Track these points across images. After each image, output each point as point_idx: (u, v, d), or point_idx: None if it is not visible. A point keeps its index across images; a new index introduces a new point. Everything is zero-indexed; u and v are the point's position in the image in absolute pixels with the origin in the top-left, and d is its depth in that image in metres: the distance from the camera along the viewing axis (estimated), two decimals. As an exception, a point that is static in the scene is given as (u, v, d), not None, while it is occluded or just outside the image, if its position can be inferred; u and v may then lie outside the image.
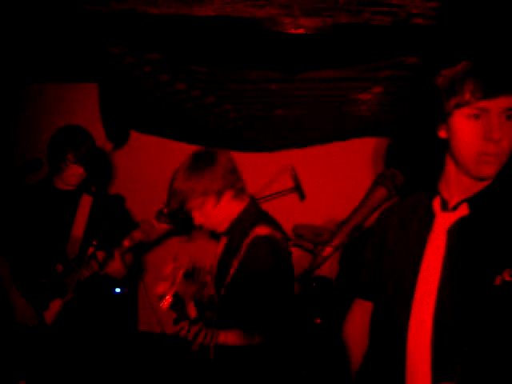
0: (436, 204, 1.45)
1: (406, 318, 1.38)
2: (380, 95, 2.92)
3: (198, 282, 2.10)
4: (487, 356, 1.25)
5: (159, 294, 1.86)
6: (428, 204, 1.48)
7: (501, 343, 1.24)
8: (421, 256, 1.41)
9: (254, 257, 1.94)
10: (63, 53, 2.90)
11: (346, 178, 4.00)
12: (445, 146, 1.40)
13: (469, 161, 1.32)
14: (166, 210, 2.20)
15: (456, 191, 1.41)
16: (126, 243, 2.39)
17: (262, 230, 1.97)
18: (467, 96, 1.27)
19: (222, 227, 2.09)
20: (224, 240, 2.16)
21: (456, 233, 1.37)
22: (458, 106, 1.29)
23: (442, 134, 1.39)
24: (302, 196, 3.84)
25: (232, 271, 1.98)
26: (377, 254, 1.61)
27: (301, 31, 2.16)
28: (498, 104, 1.25)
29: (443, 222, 1.40)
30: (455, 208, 1.40)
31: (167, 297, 1.81)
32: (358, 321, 1.72)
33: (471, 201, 1.37)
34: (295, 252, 3.81)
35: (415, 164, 2.54)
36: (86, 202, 2.66)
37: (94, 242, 2.32)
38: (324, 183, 4.06)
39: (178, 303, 1.89)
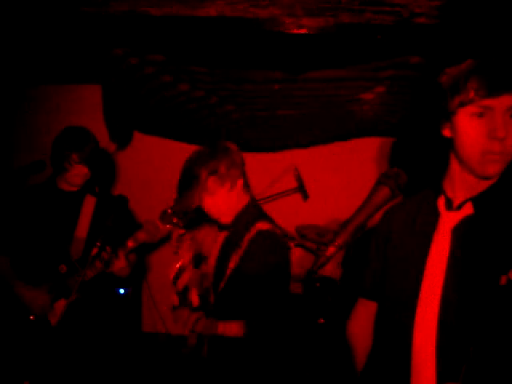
0: (441, 203, 1.45)
1: (411, 318, 1.38)
2: (383, 95, 2.91)
3: (202, 270, 2.12)
4: (492, 356, 1.24)
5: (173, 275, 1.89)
6: (432, 203, 1.47)
7: (506, 343, 1.24)
8: (425, 255, 1.40)
9: (257, 251, 1.96)
10: (66, 55, 2.91)
11: (349, 178, 4.00)
12: (449, 145, 1.40)
13: (473, 160, 1.31)
14: (170, 211, 2.20)
15: (461, 190, 1.40)
16: (130, 244, 2.40)
17: (263, 225, 2.00)
18: (471, 94, 1.26)
19: (228, 218, 2.12)
20: (223, 234, 2.18)
21: (461, 232, 1.36)
22: (462, 104, 1.29)
23: (447, 132, 1.39)
24: (306, 196, 3.84)
25: (232, 265, 1.99)
26: (381, 254, 1.61)
27: (303, 31, 2.17)
28: (502, 102, 1.25)
29: (448, 222, 1.40)
30: (460, 207, 1.39)
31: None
32: (362, 321, 1.72)
33: (476, 200, 1.37)
34: (298, 252, 3.82)
35: (419, 163, 2.54)
36: (89, 202, 2.66)
37: (98, 243, 2.32)
38: (327, 183, 4.05)
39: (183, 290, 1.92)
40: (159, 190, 3.89)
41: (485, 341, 1.23)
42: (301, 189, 3.81)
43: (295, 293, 3.61)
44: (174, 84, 2.94)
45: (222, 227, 2.21)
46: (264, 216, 2.10)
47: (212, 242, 2.27)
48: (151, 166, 4.21)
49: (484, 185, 1.37)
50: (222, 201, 2.07)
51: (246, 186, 2.15)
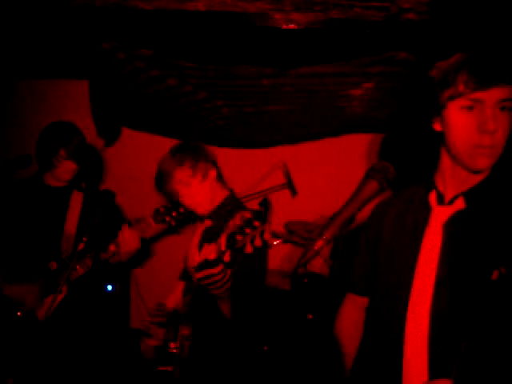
0: (432, 198, 1.45)
1: (403, 313, 1.38)
2: (371, 91, 2.92)
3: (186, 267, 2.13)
4: (485, 351, 1.24)
5: None
6: (424, 198, 1.47)
7: (498, 338, 1.24)
8: (417, 250, 1.41)
9: None
10: (53, 48, 2.87)
11: (338, 174, 4.00)
12: (440, 140, 1.40)
13: (464, 153, 1.31)
14: (162, 209, 2.22)
15: (452, 185, 1.41)
16: (113, 248, 2.38)
17: (247, 214, 2.00)
18: (461, 87, 1.27)
19: (203, 209, 2.20)
20: (202, 227, 2.19)
21: (453, 227, 1.37)
22: (451, 97, 1.29)
23: (437, 126, 1.39)
24: (294, 192, 3.84)
25: (212, 256, 1.99)
26: (371, 249, 1.61)
27: (292, 26, 2.16)
28: (491, 95, 1.25)
29: (439, 216, 1.40)
30: (451, 202, 1.39)
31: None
32: (351, 316, 1.72)
33: (468, 194, 1.37)
34: (287, 248, 3.82)
35: (410, 158, 2.55)
36: (77, 198, 2.64)
37: (85, 238, 2.31)
38: (316, 179, 4.06)
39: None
40: (147, 185, 3.86)
41: (477, 336, 1.23)
42: (289, 185, 3.81)
43: (283, 289, 3.61)
44: (163, 79, 2.92)
45: (201, 220, 2.22)
46: (244, 209, 2.13)
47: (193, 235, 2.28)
48: (139, 161, 4.17)
49: (475, 179, 1.37)
50: (195, 191, 2.17)
51: (221, 179, 2.26)
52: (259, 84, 2.80)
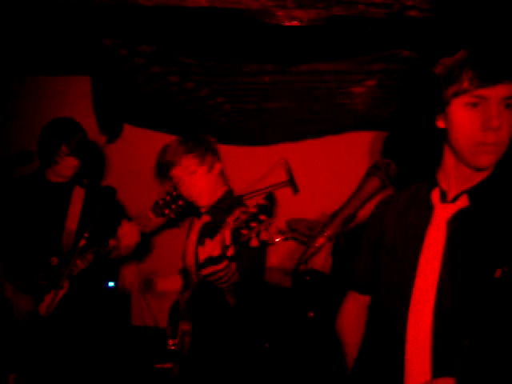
0: (435, 196, 1.44)
1: (406, 312, 1.37)
2: (374, 88, 2.91)
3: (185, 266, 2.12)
4: (488, 349, 1.24)
5: None
6: (426, 196, 1.46)
7: (501, 336, 1.23)
8: (420, 248, 1.39)
9: None
10: (55, 45, 2.87)
11: (340, 171, 3.99)
12: (443, 137, 1.39)
13: (467, 151, 1.30)
14: (161, 202, 2.21)
15: (455, 182, 1.40)
16: (113, 243, 2.38)
17: (252, 208, 2.00)
18: (465, 84, 1.25)
19: (205, 201, 2.20)
20: (200, 223, 2.21)
21: (456, 225, 1.35)
22: (456, 94, 1.28)
23: (440, 123, 1.38)
24: (296, 190, 3.83)
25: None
26: (373, 247, 1.60)
27: (295, 23, 2.15)
28: (496, 92, 1.24)
29: (443, 214, 1.39)
30: (455, 199, 1.38)
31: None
32: (353, 314, 1.71)
33: (471, 192, 1.36)
34: (288, 246, 3.82)
35: (412, 156, 2.53)
36: (78, 194, 2.64)
37: (86, 234, 2.31)
38: (318, 177, 4.04)
39: None
40: (149, 182, 3.86)
41: (480, 334, 1.22)
42: (291, 182, 3.80)
43: (285, 286, 3.61)
44: (164, 75, 2.92)
45: (199, 214, 2.22)
46: (243, 205, 2.14)
47: (190, 232, 2.28)
48: (141, 158, 4.17)
49: (479, 177, 1.36)
50: (199, 181, 2.16)
51: (223, 175, 2.27)
52: (261, 81, 2.80)
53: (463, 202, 1.36)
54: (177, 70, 2.84)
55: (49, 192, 2.60)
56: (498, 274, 1.21)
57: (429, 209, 1.43)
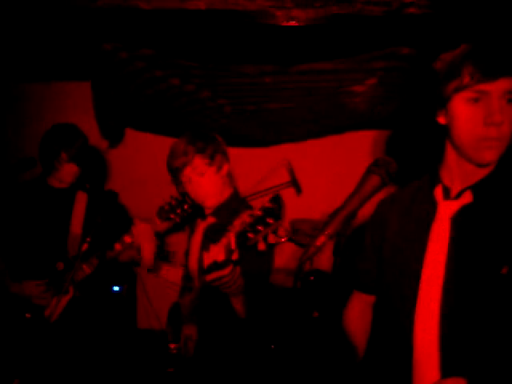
0: (438, 192, 1.43)
1: (412, 310, 1.36)
2: (374, 87, 2.90)
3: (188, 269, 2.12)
4: (497, 347, 1.23)
5: None
6: (429, 192, 1.46)
7: (508, 333, 1.22)
8: (424, 245, 1.39)
9: None
10: (54, 50, 2.88)
11: (342, 171, 3.98)
12: (445, 133, 1.38)
13: (469, 146, 1.30)
14: (167, 207, 2.20)
15: (458, 179, 1.39)
16: (118, 247, 2.38)
17: (257, 211, 1.99)
18: (466, 79, 1.25)
19: (211, 202, 2.17)
20: (204, 224, 2.19)
21: (460, 221, 1.35)
22: (457, 89, 1.27)
23: (442, 120, 1.37)
24: (299, 190, 3.83)
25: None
26: (377, 247, 1.60)
27: (293, 23, 2.15)
28: (497, 86, 1.23)
29: (446, 211, 1.38)
30: (458, 196, 1.38)
31: None
32: (358, 313, 1.71)
33: (475, 188, 1.35)
34: (292, 246, 3.81)
35: (414, 153, 2.53)
36: (81, 199, 2.66)
37: (88, 239, 2.31)
38: (321, 177, 4.04)
39: None
40: (152, 186, 3.87)
41: (488, 331, 1.22)
42: (294, 183, 3.80)
43: (288, 287, 3.61)
44: (165, 78, 2.92)
45: (202, 217, 2.21)
46: (249, 208, 2.12)
47: (193, 234, 2.27)
48: (143, 162, 4.18)
49: (482, 172, 1.35)
50: (207, 182, 2.12)
51: (230, 176, 2.24)
52: (262, 82, 2.79)
53: (467, 198, 1.36)
54: (177, 72, 2.84)
55: (52, 197, 2.61)
56: (504, 270, 1.21)
57: (432, 206, 1.43)
